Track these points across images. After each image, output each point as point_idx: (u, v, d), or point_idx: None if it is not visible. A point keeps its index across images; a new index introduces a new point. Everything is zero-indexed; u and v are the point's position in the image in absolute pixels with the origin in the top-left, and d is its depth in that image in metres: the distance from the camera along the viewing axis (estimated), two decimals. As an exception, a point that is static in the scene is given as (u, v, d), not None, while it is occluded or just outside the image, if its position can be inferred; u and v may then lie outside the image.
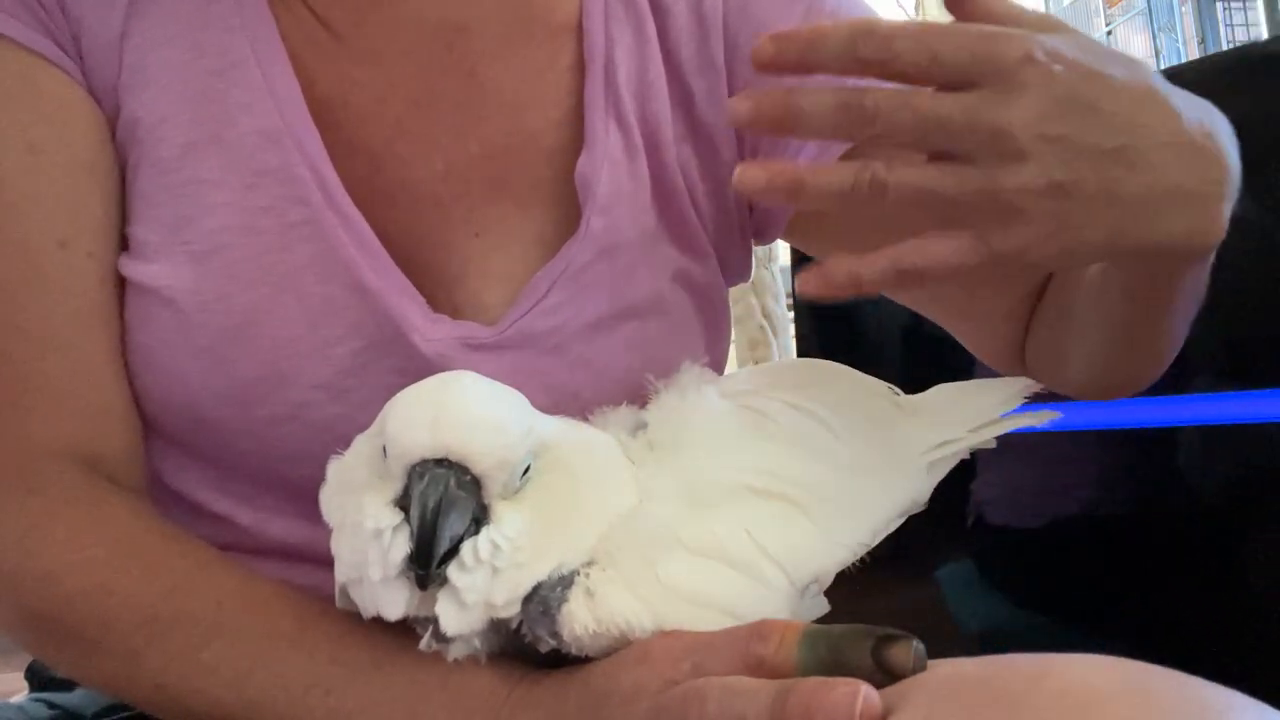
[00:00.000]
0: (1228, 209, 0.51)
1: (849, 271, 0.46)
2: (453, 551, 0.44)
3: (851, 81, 0.47)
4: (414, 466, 0.45)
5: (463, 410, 0.45)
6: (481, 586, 0.45)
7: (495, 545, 0.45)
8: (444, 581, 0.45)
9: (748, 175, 0.46)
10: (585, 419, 0.56)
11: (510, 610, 0.47)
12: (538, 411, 0.50)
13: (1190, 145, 0.48)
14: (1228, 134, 0.51)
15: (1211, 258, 0.55)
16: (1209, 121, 0.50)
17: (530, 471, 0.47)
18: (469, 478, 0.45)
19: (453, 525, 0.44)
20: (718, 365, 0.74)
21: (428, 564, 0.44)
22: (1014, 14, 0.48)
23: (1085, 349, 0.65)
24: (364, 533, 0.46)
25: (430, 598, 0.45)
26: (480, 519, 0.45)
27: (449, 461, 0.44)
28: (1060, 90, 0.45)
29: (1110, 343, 0.63)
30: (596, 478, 0.49)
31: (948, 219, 0.46)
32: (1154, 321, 0.60)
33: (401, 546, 0.44)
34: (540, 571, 0.47)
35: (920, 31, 0.45)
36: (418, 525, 0.44)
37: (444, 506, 0.44)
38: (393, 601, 0.46)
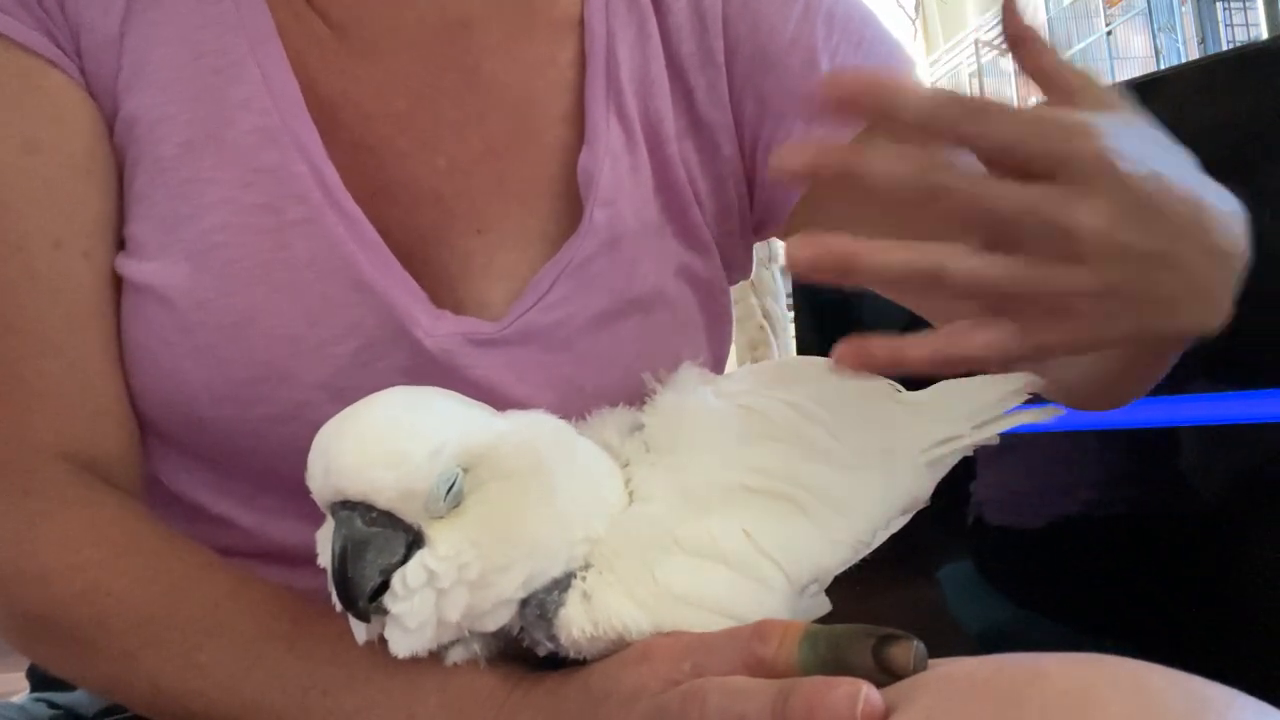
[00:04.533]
0: (1231, 295, 0.52)
1: (892, 353, 0.46)
2: (386, 584, 0.44)
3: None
4: (329, 507, 0.45)
5: (352, 450, 0.45)
6: (423, 610, 0.45)
7: (429, 569, 0.44)
8: (385, 611, 0.45)
9: (796, 248, 0.44)
10: (586, 415, 0.55)
11: (493, 622, 0.47)
12: (480, 416, 0.49)
13: (1219, 248, 0.49)
14: (1240, 217, 0.51)
15: None
16: (1232, 212, 0.50)
17: (463, 484, 0.46)
18: (376, 513, 0.44)
19: (372, 563, 0.44)
20: (720, 361, 0.74)
21: (351, 605, 0.44)
22: (1074, 80, 0.48)
23: (1065, 382, 0.66)
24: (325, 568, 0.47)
25: (383, 622, 0.45)
26: (420, 543, 0.45)
27: (352, 502, 0.44)
28: (1129, 197, 0.45)
29: (1090, 382, 0.64)
30: (545, 475, 0.47)
31: (990, 305, 0.46)
32: (1139, 378, 0.62)
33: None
34: (509, 585, 0.46)
35: (1002, 114, 0.45)
36: (332, 571, 0.44)
37: (352, 549, 0.44)
38: (356, 628, 0.47)
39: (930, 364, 0.46)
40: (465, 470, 0.46)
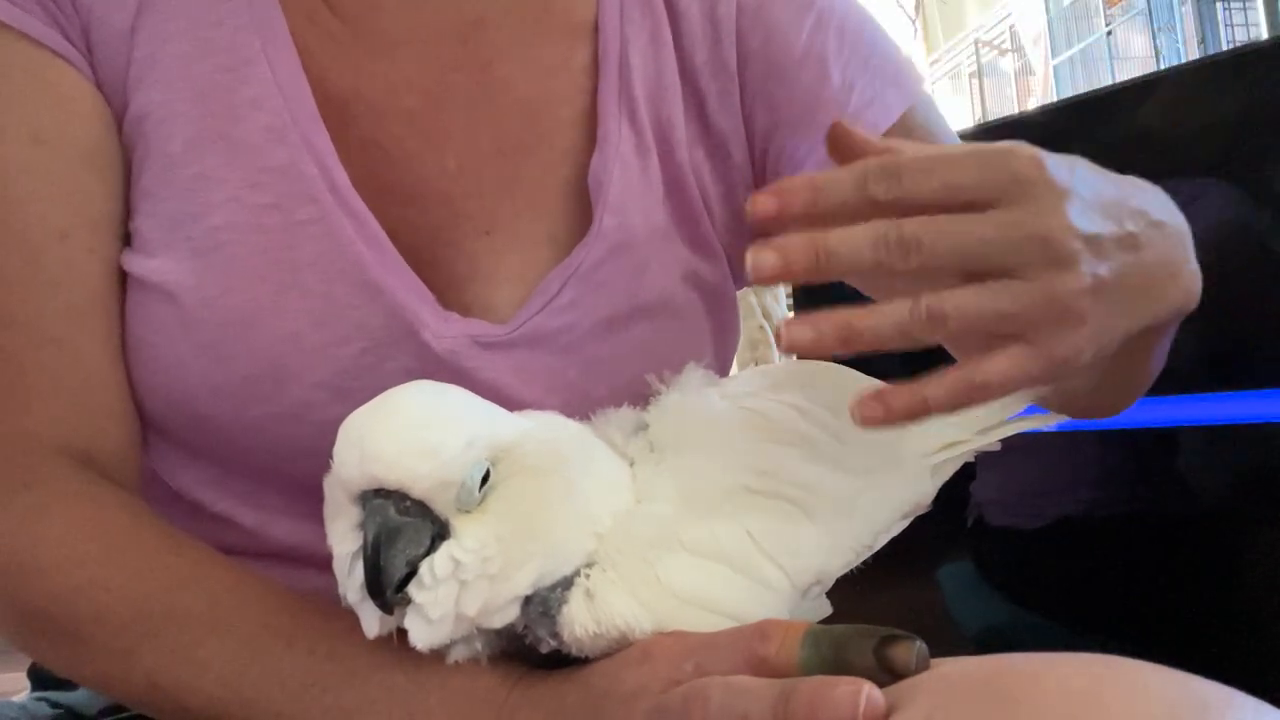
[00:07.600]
0: (1197, 270, 0.54)
1: (912, 399, 0.44)
2: (413, 572, 0.45)
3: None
4: (359, 495, 0.45)
5: (389, 439, 0.45)
6: (446, 601, 0.45)
7: (455, 560, 0.45)
8: (409, 601, 0.45)
9: (794, 332, 0.44)
10: (589, 418, 0.56)
11: (501, 619, 0.47)
12: (502, 413, 0.49)
13: (1164, 222, 0.51)
14: (1157, 192, 0.53)
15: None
16: (1149, 188, 0.52)
17: (492, 479, 0.46)
18: (410, 502, 0.44)
19: (401, 552, 0.44)
20: (725, 366, 0.74)
21: (380, 594, 0.44)
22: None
23: (1068, 390, 0.65)
24: (336, 557, 0.47)
25: (403, 613, 0.46)
26: (444, 534, 0.45)
27: (386, 490, 0.44)
28: (1075, 197, 0.46)
29: (1093, 387, 0.64)
30: (568, 475, 0.48)
31: (994, 333, 0.45)
32: (1134, 369, 0.62)
33: (360, 573, 0.45)
34: (522, 581, 0.46)
35: (928, 161, 0.45)
36: (364, 559, 0.44)
37: (385, 538, 0.44)
38: (369, 620, 0.47)
39: (952, 403, 0.45)
40: (492, 465, 0.46)
